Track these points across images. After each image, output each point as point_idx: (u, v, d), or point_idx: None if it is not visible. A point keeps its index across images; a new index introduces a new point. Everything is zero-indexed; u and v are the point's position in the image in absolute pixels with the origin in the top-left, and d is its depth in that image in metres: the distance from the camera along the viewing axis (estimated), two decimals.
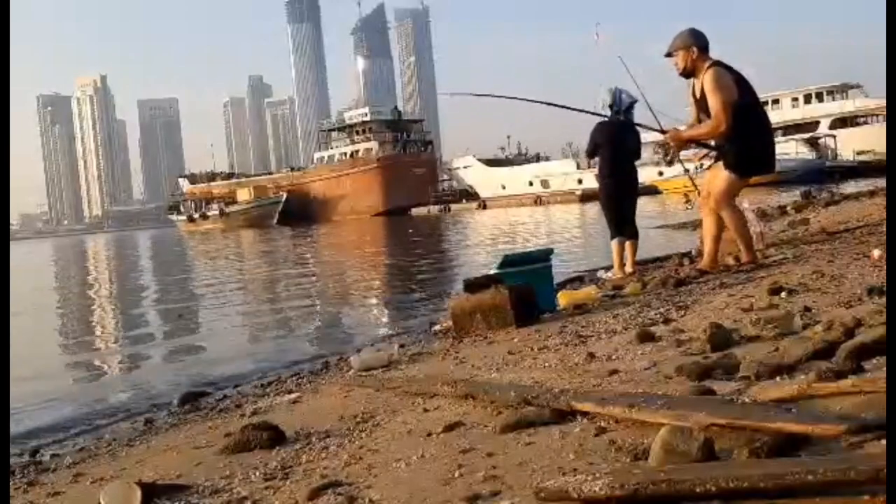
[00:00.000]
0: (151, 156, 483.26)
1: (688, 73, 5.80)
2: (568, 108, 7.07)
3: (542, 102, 7.38)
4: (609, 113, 6.97)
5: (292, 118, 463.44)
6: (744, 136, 5.64)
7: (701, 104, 5.75)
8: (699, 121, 5.90)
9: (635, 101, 7.02)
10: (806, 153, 53.07)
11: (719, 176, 5.81)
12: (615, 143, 7.03)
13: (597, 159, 7.31)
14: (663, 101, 7.51)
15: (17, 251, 54.80)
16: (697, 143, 6.18)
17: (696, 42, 5.75)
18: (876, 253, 4.71)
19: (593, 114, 7.01)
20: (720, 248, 6.01)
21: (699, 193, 8.87)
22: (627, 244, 7.13)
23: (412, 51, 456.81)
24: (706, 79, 5.62)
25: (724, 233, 5.96)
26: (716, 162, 5.96)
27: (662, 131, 6.34)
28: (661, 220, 18.54)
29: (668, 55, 5.86)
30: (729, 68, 5.70)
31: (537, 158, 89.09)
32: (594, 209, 31.83)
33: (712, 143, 5.99)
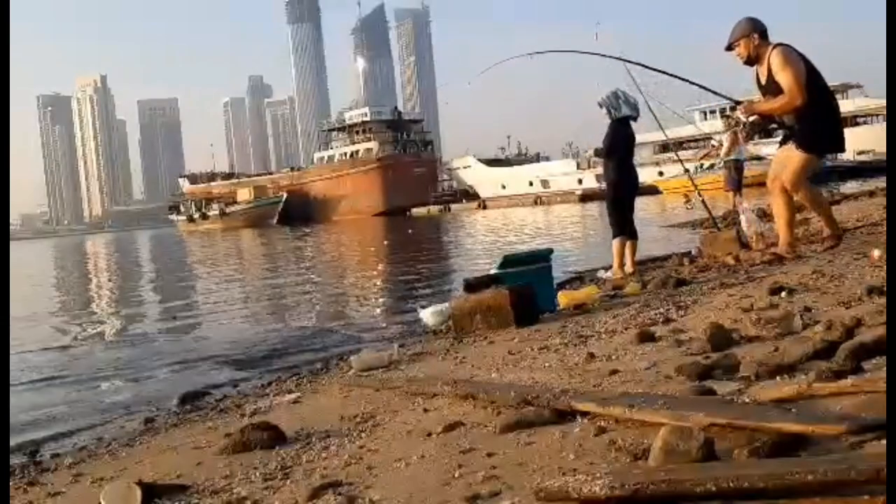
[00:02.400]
0: (151, 156, 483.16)
1: (751, 60, 5.73)
2: (604, 55, 6.90)
3: (574, 52, 6.97)
4: (629, 112, 7.00)
5: (292, 118, 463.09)
6: (815, 114, 5.56)
7: (768, 89, 5.66)
8: None
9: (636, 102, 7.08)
10: None
11: (792, 156, 5.69)
12: (626, 143, 7.12)
13: (598, 158, 7.35)
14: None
15: (20, 252, 54.75)
16: (770, 118, 6.05)
17: (756, 28, 5.70)
18: (876, 253, 4.70)
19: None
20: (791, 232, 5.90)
21: (699, 193, 8.90)
22: (627, 244, 7.16)
23: (412, 51, 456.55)
24: (773, 59, 5.55)
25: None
26: (784, 143, 5.86)
27: (737, 102, 6.22)
28: (662, 220, 18.53)
29: (729, 48, 5.78)
30: (794, 49, 5.62)
31: (537, 158, 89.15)
32: (594, 209, 31.82)
33: (782, 122, 5.85)
